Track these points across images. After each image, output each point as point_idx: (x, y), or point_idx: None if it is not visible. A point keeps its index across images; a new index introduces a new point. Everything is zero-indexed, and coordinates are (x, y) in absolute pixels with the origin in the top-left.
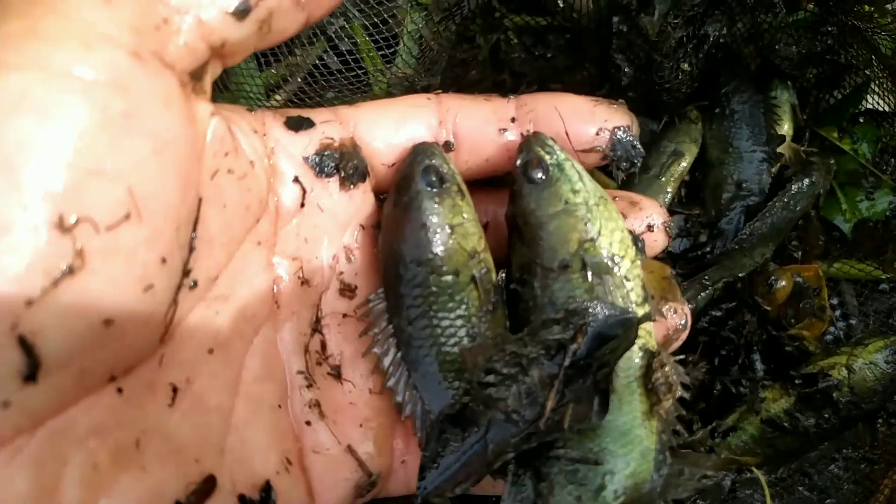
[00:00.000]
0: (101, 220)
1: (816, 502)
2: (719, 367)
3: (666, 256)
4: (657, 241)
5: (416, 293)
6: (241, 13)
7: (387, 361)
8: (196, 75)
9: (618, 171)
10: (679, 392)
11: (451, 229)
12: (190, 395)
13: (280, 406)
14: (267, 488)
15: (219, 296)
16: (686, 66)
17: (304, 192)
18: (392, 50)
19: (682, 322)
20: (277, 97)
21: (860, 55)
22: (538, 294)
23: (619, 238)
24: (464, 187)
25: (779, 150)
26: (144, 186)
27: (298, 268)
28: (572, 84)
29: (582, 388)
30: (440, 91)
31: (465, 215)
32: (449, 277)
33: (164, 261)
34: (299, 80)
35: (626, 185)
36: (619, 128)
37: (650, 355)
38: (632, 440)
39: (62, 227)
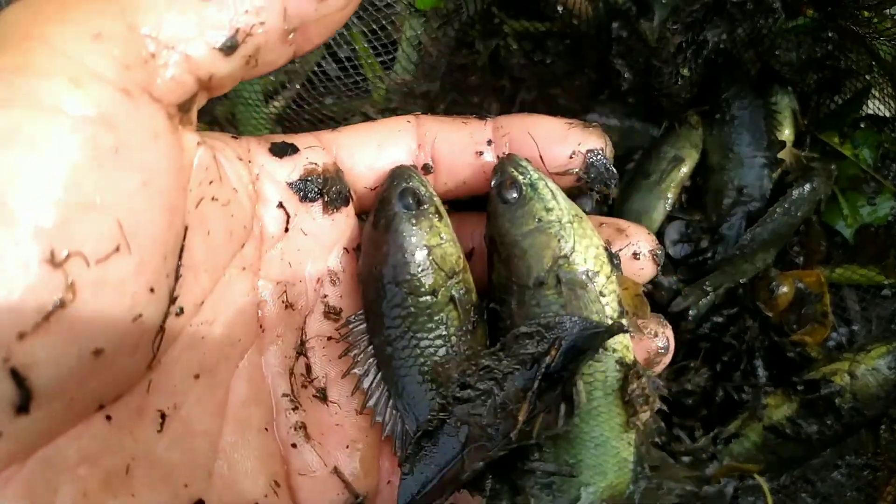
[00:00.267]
0: (92, 254)
1: None
2: (721, 374)
3: (667, 262)
4: (644, 270)
5: (395, 314)
6: (229, 49)
7: (367, 382)
8: (184, 107)
9: (592, 194)
10: (657, 405)
11: (429, 250)
12: (178, 421)
13: (267, 429)
14: None
15: (204, 321)
16: (686, 71)
17: (289, 217)
18: (391, 56)
19: (663, 345)
20: (276, 103)
21: (860, 60)
22: (515, 312)
23: (593, 254)
24: (442, 209)
25: (780, 155)
26: (133, 219)
27: (283, 291)
28: (571, 90)
29: (552, 398)
30: (419, 113)
31: (442, 236)
32: (427, 298)
33: (152, 290)
34: (298, 86)
35: (627, 190)
36: (592, 151)
37: (627, 368)
38: (608, 451)
39: (53, 261)
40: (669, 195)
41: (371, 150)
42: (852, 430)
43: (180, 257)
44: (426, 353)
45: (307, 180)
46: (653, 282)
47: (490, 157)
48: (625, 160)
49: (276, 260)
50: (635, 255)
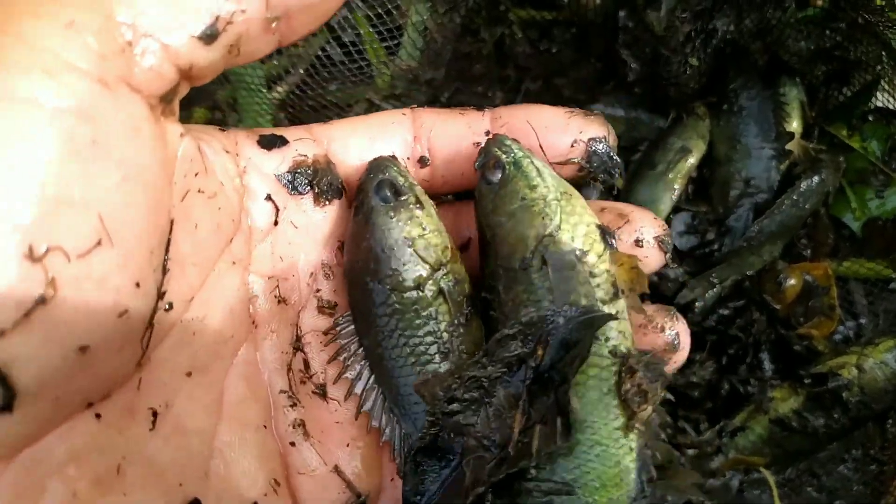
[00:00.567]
0: (72, 249)
1: (825, 503)
2: (727, 367)
3: (673, 254)
4: (649, 258)
5: (381, 312)
6: (209, 37)
7: (359, 386)
8: (165, 98)
9: (596, 184)
10: (660, 394)
11: (411, 242)
12: (170, 419)
13: (265, 427)
14: None
15: (194, 317)
16: (694, 60)
17: (278, 209)
18: (396, 41)
19: (673, 337)
20: (279, 89)
21: (870, 51)
22: (503, 299)
23: (582, 232)
24: (423, 198)
25: (788, 147)
26: (115, 213)
27: (275, 286)
28: (577, 79)
29: (546, 405)
30: (416, 106)
31: (425, 227)
32: (412, 293)
33: (137, 285)
34: (301, 71)
35: (633, 181)
36: (594, 139)
37: (622, 361)
38: (607, 462)
39: (32, 256)
40: (676, 186)
41: (364, 141)
42: (859, 424)
43: (167, 251)
44: (417, 352)
45: (296, 172)
46: (658, 273)
47: None
48: (631, 151)
49: (266, 254)
50: (637, 243)
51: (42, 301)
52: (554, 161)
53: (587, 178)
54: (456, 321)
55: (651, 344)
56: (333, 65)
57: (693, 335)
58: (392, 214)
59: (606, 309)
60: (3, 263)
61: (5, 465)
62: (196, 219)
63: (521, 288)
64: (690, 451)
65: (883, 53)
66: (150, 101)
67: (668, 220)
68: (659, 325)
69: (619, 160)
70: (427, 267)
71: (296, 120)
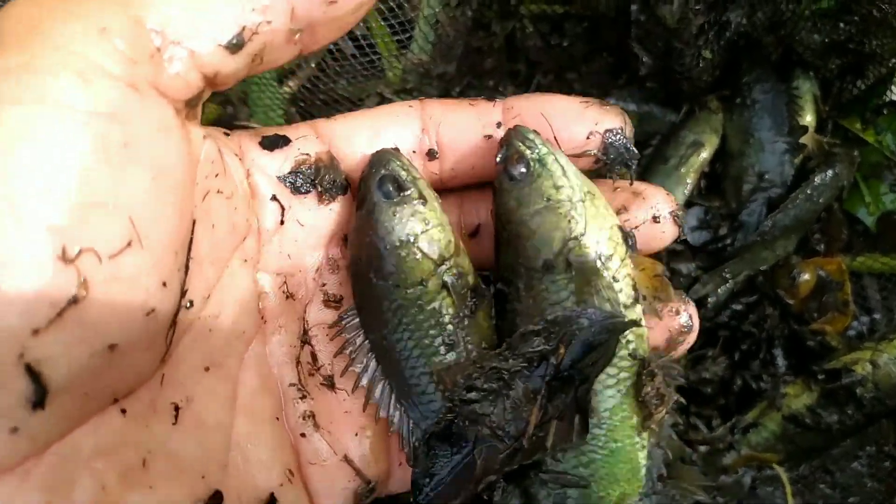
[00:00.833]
0: (104, 250)
1: (839, 500)
2: (740, 362)
3: (685, 249)
4: (665, 233)
5: (385, 307)
6: (235, 47)
7: (366, 378)
8: (190, 103)
9: (612, 175)
10: (674, 398)
11: (414, 238)
12: (191, 413)
13: (278, 419)
14: (272, 501)
15: (210, 314)
16: (707, 53)
17: (283, 209)
18: (408, 35)
19: (686, 322)
20: (291, 83)
21: (885, 44)
22: (523, 296)
23: (607, 236)
24: (427, 192)
25: (801, 141)
26: (145, 214)
27: (283, 282)
28: (589, 73)
29: (564, 402)
30: (423, 98)
31: (428, 221)
32: (416, 289)
33: (164, 284)
34: (313, 65)
35: (645, 175)
36: (611, 130)
37: (641, 364)
38: (621, 458)
39: (66, 258)
40: (689, 181)
41: (368, 136)
42: (873, 420)
43: (189, 251)
44: (422, 345)
45: (297, 172)
46: (671, 268)
47: None
48: (643, 145)
49: (274, 252)
50: (655, 219)
51: (74, 301)
52: (569, 153)
53: (603, 170)
54: (461, 314)
55: (667, 327)
56: (345, 59)
57: (706, 331)
58: (395, 211)
59: (627, 313)
60: (38, 265)
61: (37, 459)
62: (214, 219)
63: (543, 287)
64: (703, 448)
65: None
66: (176, 106)
67: None
68: (674, 309)
69: (636, 152)
70: (430, 263)
71: (307, 114)
